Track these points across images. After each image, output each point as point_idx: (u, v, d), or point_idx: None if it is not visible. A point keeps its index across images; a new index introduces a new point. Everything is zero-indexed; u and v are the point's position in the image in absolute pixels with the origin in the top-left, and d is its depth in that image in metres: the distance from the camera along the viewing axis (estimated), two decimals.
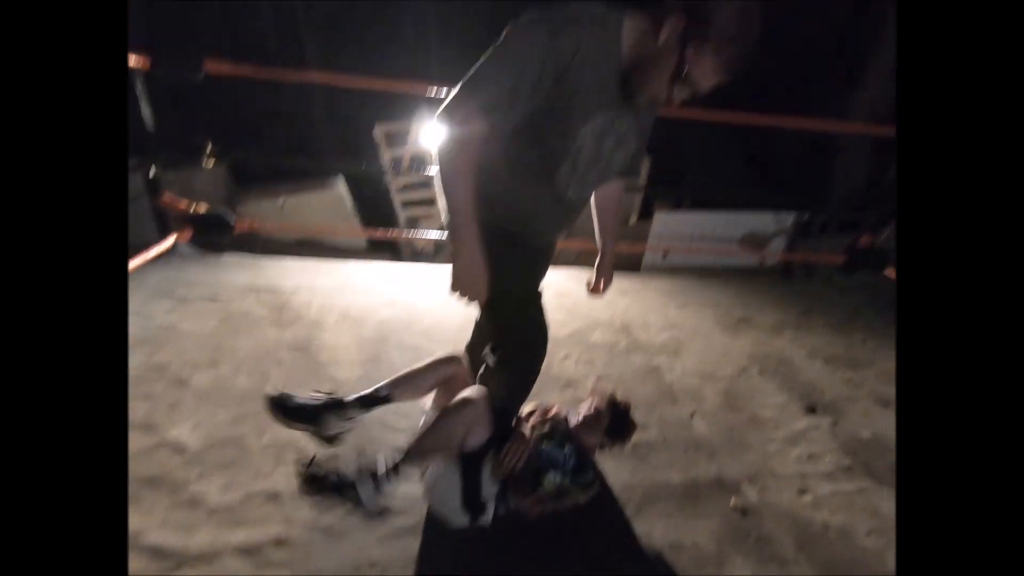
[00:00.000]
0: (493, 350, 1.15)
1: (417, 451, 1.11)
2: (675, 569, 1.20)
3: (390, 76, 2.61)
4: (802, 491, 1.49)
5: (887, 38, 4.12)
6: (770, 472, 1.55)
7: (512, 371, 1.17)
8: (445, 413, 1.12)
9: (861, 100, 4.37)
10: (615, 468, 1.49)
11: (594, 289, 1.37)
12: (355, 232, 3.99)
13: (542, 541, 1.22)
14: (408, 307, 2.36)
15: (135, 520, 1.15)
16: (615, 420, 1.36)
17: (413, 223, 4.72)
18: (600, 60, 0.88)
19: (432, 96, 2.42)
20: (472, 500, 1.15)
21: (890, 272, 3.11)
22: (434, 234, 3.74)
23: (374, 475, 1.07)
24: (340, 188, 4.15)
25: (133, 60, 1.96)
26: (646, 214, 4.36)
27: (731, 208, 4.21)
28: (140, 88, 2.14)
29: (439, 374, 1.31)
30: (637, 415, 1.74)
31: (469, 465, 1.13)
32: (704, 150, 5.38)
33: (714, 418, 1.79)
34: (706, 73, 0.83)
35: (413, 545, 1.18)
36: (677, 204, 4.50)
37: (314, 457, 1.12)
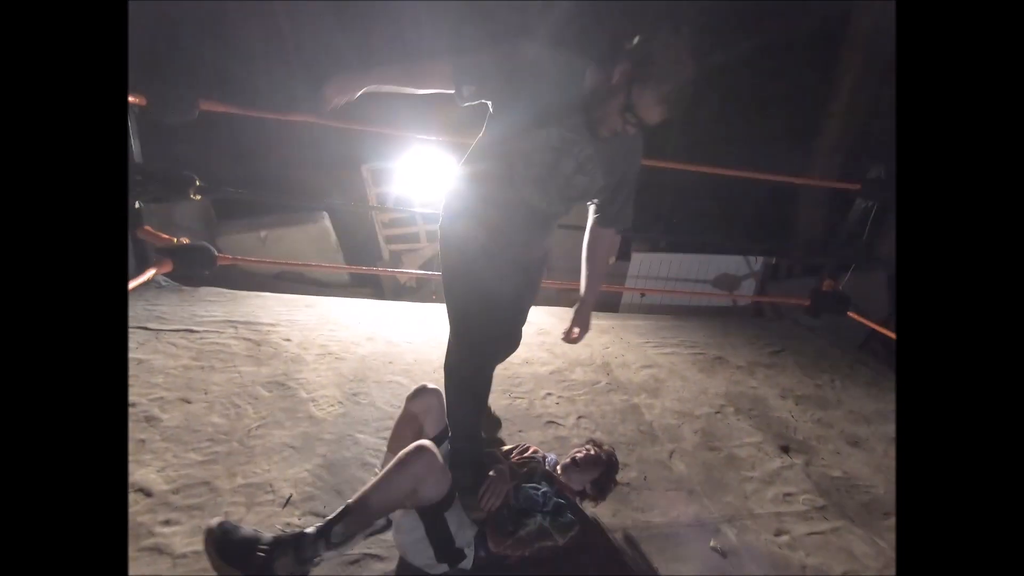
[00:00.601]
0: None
1: (358, 510, 0.98)
2: None
3: (376, 121, 2.73)
4: (779, 532, 1.51)
5: (838, 97, 4.53)
6: (748, 512, 1.57)
7: (459, 342, 1.28)
8: (391, 467, 1.02)
9: (820, 157, 4.74)
10: (598, 510, 1.48)
11: (568, 337, 1.41)
12: (338, 267, 3.98)
13: None
14: (389, 343, 2.35)
15: None
16: (608, 472, 1.37)
17: (397, 260, 4.75)
18: (560, 83, 1.11)
19: (419, 137, 2.53)
20: (445, 550, 1.09)
21: (853, 315, 3.28)
22: (416, 271, 3.77)
23: (296, 542, 0.94)
24: (325, 222, 4.18)
25: (130, 99, 2.00)
26: (625, 255, 4.52)
27: (705, 251, 4.41)
28: (131, 125, 2.17)
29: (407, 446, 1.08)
30: (618, 455, 1.75)
31: (430, 519, 1.05)
32: (680, 197, 5.67)
33: (692, 457, 1.81)
34: (649, 106, 1.03)
35: None
36: (654, 247, 4.69)
37: (222, 519, 0.98)
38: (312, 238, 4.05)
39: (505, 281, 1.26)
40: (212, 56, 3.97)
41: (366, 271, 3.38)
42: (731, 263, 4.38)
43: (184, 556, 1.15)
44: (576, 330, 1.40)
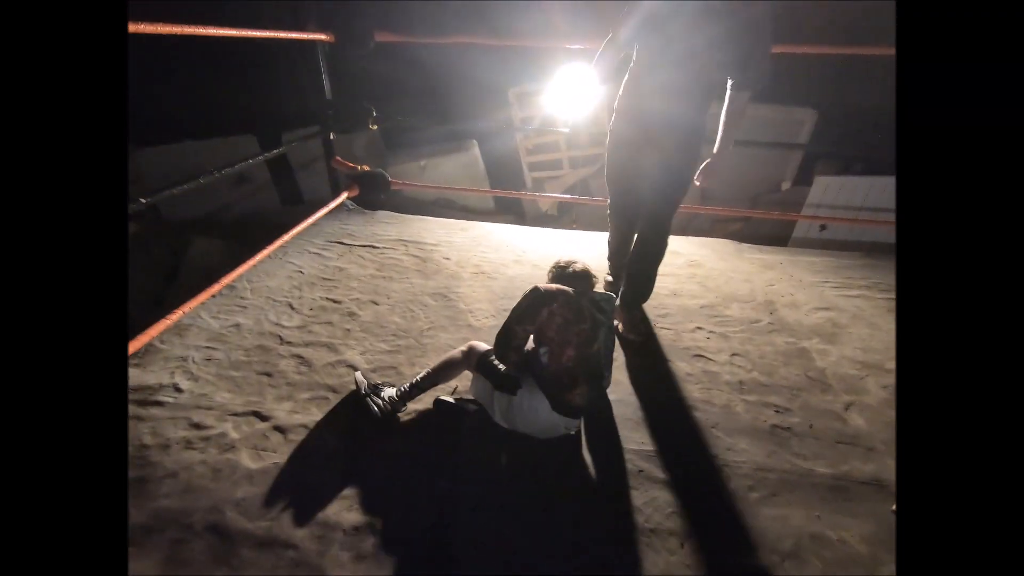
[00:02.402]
0: None
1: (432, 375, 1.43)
2: (815, 560, 1.12)
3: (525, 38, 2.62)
4: None
5: None
6: None
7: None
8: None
9: None
10: (750, 446, 1.41)
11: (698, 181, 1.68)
12: (488, 191, 4.18)
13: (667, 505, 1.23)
14: (535, 266, 2.45)
15: (325, 416, 1.44)
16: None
17: (539, 186, 4.78)
18: None
19: (570, 48, 2.37)
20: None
21: None
22: (557, 196, 3.74)
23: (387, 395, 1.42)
24: (475, 151, 4.36)
25: (320, 36, 2.27)
26: (805, 179, 3.79)
27: None
28: (322, 63, 2.48)
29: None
30: (776, 398, 1.60)
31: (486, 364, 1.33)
32: (886, 103, 4.40)
33: (876, 413, 1.56)
34: None
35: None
36: (845, 168, 3.82)
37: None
38: (464, 165, 4.29)
39: (642, 151, 1.72)
40: None
41: (512, 195, 3.48)
42: None
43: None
44: (703, 177, 1.66)
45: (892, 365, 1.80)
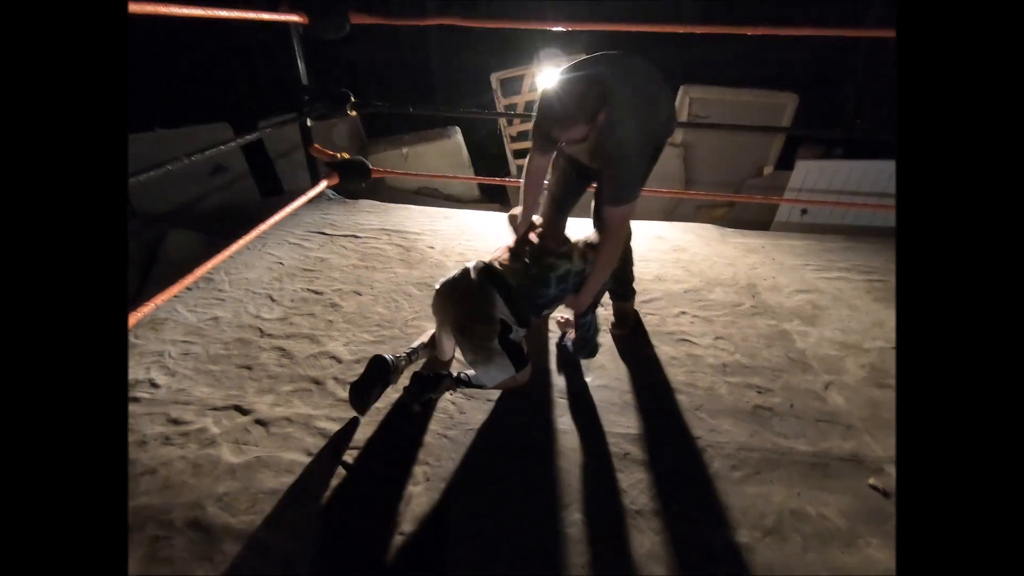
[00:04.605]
0: None
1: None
2: (795, 535, 1.14)
3: (507, 18, 2.56)
4: None
5: None
6: None
7: None
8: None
9: None
10: (733, 427, 1.43)
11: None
12: (472, 178, 4.13)
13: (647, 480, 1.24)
14: None
15: (308, 408, 1.42)
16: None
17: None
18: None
19: (550, 31, 2.33)
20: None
21: None
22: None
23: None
24: (458, 138, 4.29)
25: (293, 17, 2.19)
26: (787, 164, 3.83)
27: (894, 157, 3.47)
28: (297, 45, 2.40)
29: None
30: (759, 379, 1.63)
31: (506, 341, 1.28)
32: (868, 86, 4.46)
33: (855, 392, 1.60)
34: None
35: None
36: (826, 152, 3.86)
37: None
38: (446, 152, 4.22)
39: None
40: None
41: (496, 182, 3.44)
42: None
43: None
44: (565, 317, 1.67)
45: (870, 345, 1.84)
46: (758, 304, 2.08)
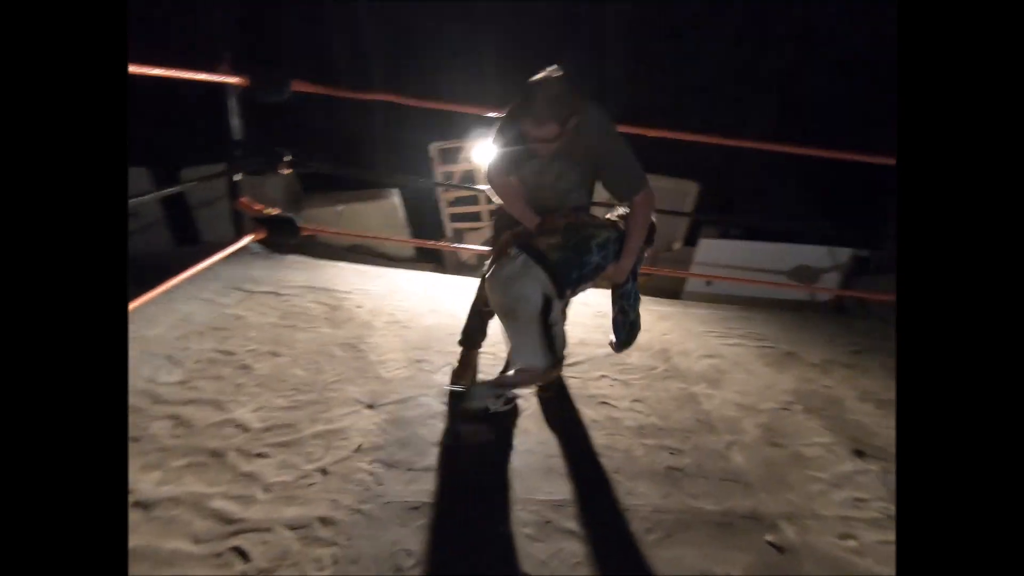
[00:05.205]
0: None
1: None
2: None
3: (447, 99, 2.79)
4: (845, 535, 1.42)
5: None
6: (811, 513, 1.50)
7: None
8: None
9: None
10: (648, 488, 1.49)
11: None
12: (406, 241, 4.18)
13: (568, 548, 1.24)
14: (452, 316, 2.45)
15: (201, 486, 1.27)
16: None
17: (459, 236, 4.89)
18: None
19: (486, 116, 2.57)
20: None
21: None
22: (477, 247, 3.85)
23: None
24: (395, 199, 4.37)
25: (232, 79, 2.22)
26: (691, 240, 4.32)
27: (783, 240, 4.09)
28: (234, 104, 2.40)
29: None
30: (671, 440, 1.73)
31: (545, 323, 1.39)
32: (757, 180, 5.26)
33: (753, 451, 1.75)
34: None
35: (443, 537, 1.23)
36: (724, 233, 4.43)
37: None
38: (383, 213, 4.27)
39: None
40: (301, 40, 4.25)
41: (432, 245, 3.52)
42: (812, 254, 4.03)
43: (271, 487, 1.31)
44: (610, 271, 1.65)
45: (764, 406, 2.04)
46: (670, 368, 2.26)
